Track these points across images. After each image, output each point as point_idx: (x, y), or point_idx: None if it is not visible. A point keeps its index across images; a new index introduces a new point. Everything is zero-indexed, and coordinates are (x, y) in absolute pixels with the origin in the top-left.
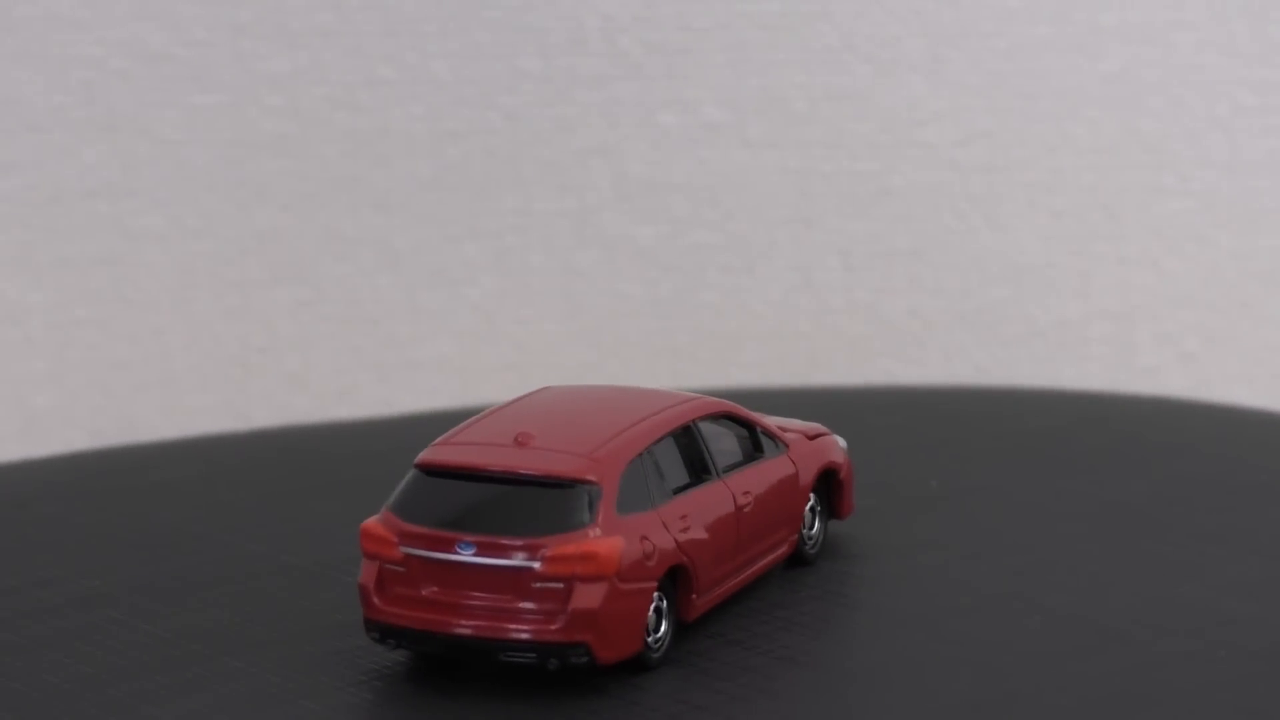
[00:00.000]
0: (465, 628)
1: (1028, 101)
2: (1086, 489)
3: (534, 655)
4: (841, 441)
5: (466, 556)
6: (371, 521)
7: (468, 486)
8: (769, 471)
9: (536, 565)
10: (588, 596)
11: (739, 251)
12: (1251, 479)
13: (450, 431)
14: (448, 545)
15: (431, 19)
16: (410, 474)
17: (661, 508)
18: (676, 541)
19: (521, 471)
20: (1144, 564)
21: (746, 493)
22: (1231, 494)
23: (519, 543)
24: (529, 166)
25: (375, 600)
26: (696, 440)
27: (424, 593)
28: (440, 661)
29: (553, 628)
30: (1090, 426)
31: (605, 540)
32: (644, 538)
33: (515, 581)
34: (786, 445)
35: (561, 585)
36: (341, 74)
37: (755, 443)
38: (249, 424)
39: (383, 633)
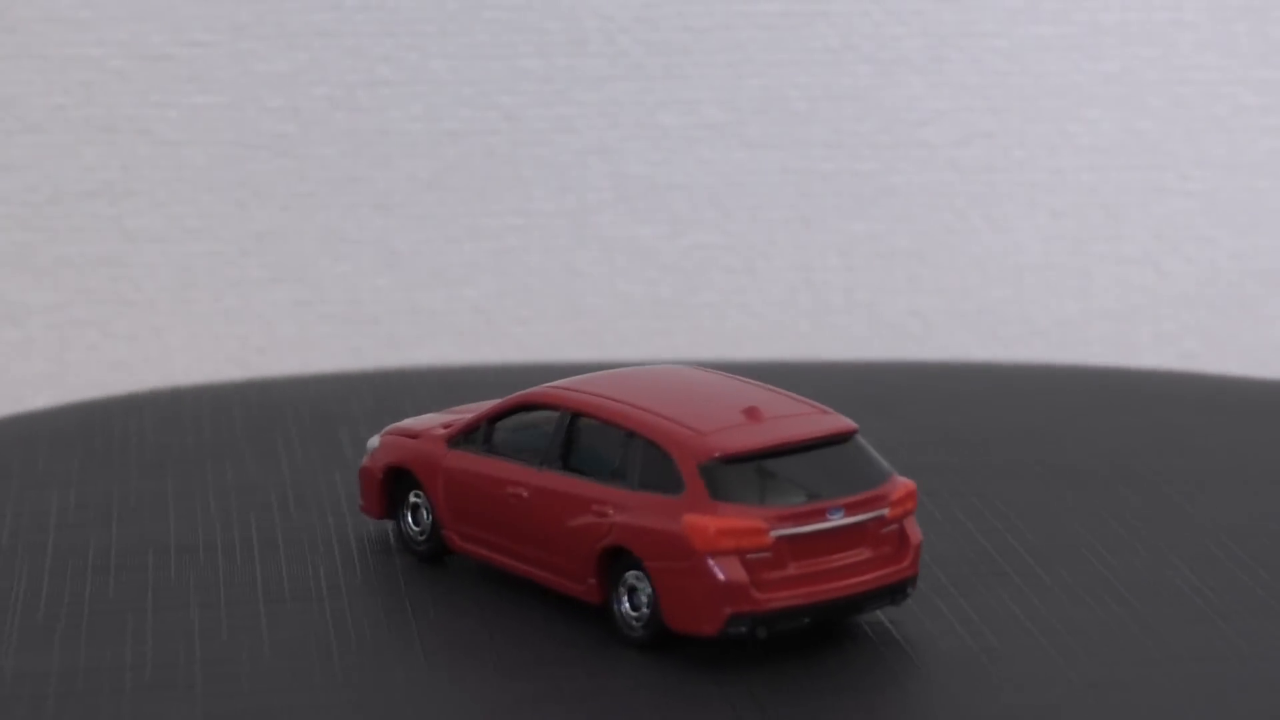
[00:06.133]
0: (839, 591)
1: (1028, 101)
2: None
3: (890, 597)
4: None
5: (837, 521)
6: (703, 519)
7: (769, 464)
8: None
9: (886, 512)
10: (916, 530)
11: (739, 251)
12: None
13: (653, 431)
14: (819, 515)
15: (431, 19)
16: (705, 466)
17: None
18: None
19: (821, 436)
20: None
21: None
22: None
23: (872, 496)
24: (529, 166)
25: (754, 593)
26: None
27: (791, 570)
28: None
29: (904, 565)
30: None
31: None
32: None
33: (867, 534)
34: None
35: (895, 527)
36: (341, 74)
37: None
38: None
39: (754, 623)
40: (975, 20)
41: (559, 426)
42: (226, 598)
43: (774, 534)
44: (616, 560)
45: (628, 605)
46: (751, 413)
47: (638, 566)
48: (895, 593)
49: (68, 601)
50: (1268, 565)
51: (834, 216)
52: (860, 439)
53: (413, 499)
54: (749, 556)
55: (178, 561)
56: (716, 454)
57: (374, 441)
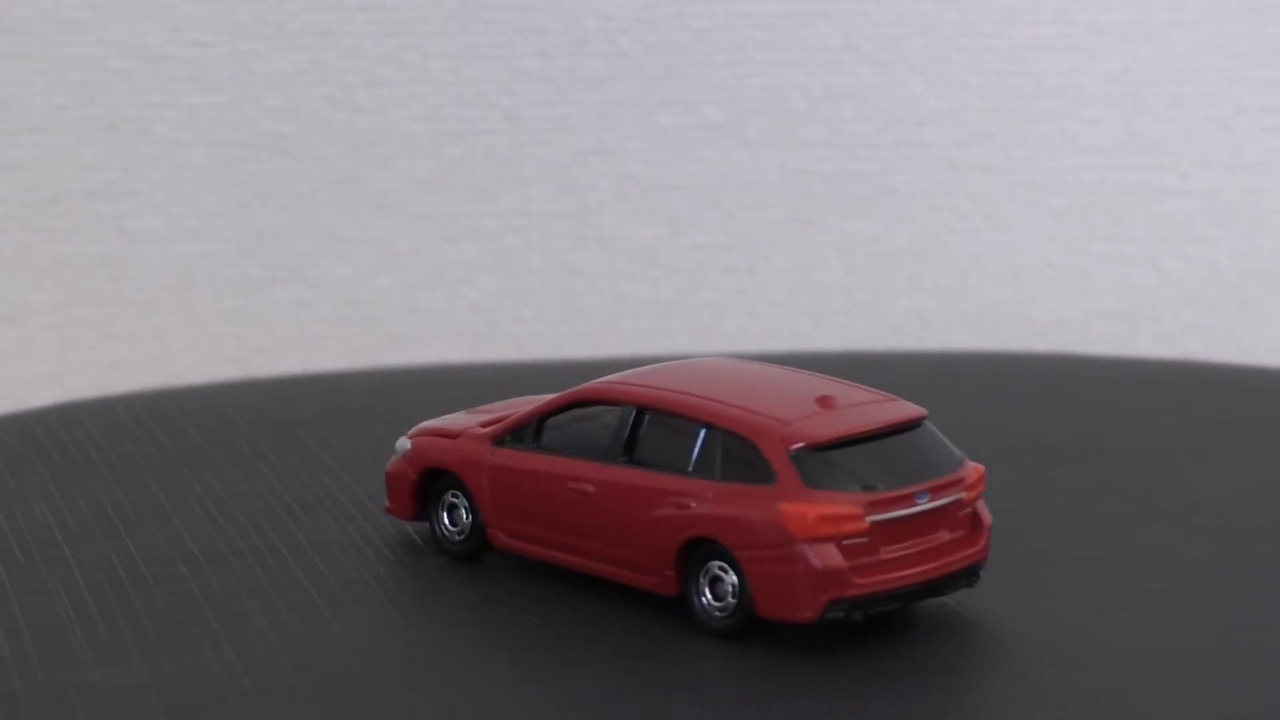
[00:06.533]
0: (925, 574)
1: (1028, 101)
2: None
3: (966, 580)
4: None
5: (924, 505)
6: (801, 507)
7: (853, 450)
8: None
9: (964, 496)
10: (987, 513)
11: (739, 251)
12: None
13: (733, 422)
14: (909, 500)
15: (431, 19)
16: (796, 454)
17: None
18: None
19: (899, 422)
20: None
21: None
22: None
23: (952, 479)
24: (529, 166)
25: (852, 578)
26: None
27: (882, 554)
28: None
29: (979, 547)
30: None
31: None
32: None
33: (946, 518)
34: None
35: (969, 510)
36: (341, 74)
37: None
38: None
39: (850, 608)
40: (975, 20)
41: (623, 421)
42: (283, 603)
43: (869, 519)
44: (694, 551)
45: (710, 595)
46: (825, 401)
47: (722, 556)
48: (971, 575)
49: (121, 614)
50: (1276, 538)
51: (834, 216)
52: (930, 424)
53: (450, 499)
54: (845, 542)
55: (213, 569)
56: (806, 442)
57: (404, 444)
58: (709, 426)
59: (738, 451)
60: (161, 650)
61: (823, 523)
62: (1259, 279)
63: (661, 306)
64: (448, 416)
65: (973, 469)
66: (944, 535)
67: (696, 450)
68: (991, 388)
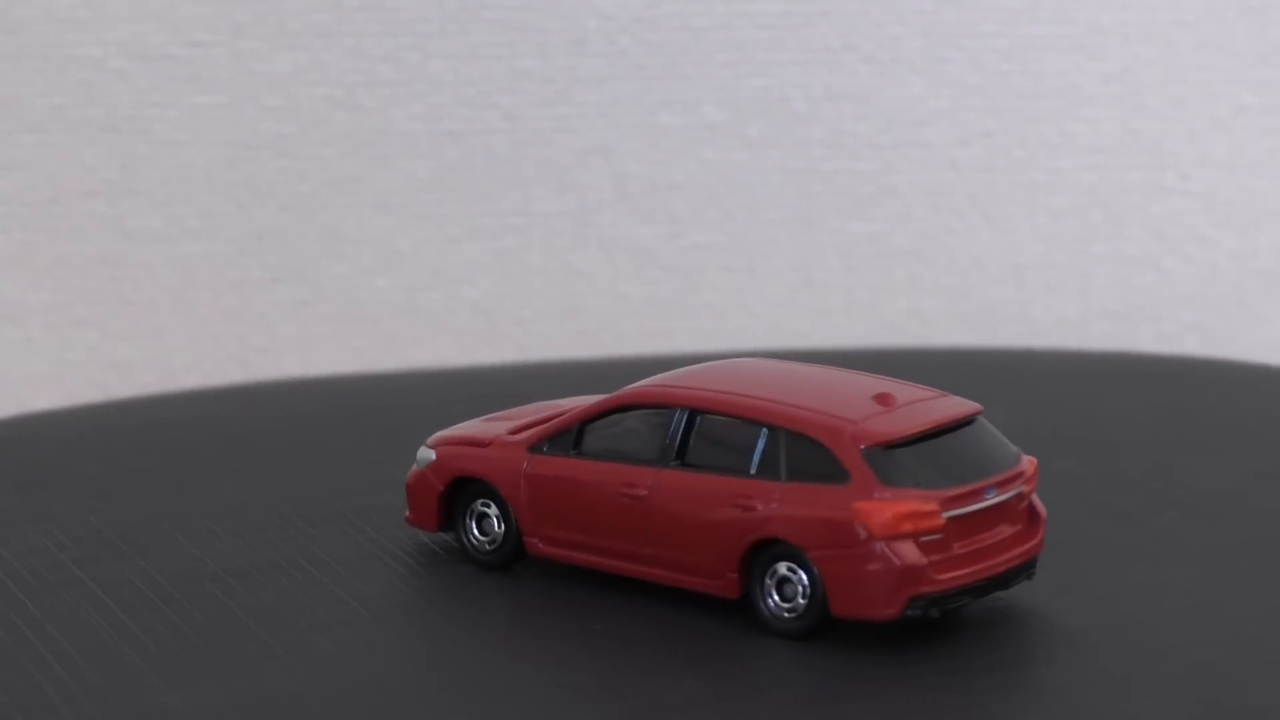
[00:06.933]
0: (993, 568)
1: (1028, 101)
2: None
3: (1026, 573)
4: None
5: (991, 500)
6: (879, 505)
7: (919, 448)
8: None
9: (1025, 489)
10: (1041, 506)
11: (739, 251)
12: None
13: (798, 423)
14: (979, 495)
15: (431, 19)
16: (869, 453)
17: None
18: None
19: (958, 418)
20: None
21: None
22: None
23: (1015, 474)
24: (529, 166)
25: (931, 574)
26: None
27: (957, 550)
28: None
29: (1037, 540)
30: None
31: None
32: None
33: (1008, 512)
34: None
35: (1026, 503)
36: (341, 74)
37: None
38: None
39: (927, 604)
40: (975, 20)
41: (675, 424)
42: (331, 618)
43: (946, 515)
44: (758, 553)
45: (777, 597)
46: (884, 399)
47: (790, 557)
48: (1030, 568)
49: (166, 635)
50: None
51: (834, 216)
52: (984, 419)
53: (479, 508)
54: (922, 539)
55: (242, 587)
56: (877, 441)
57: (426, 454)
58: (771, 427)
59: (805, 452)
60: (228, 669)
61: (902, 520)
62: (1259, 279)
63: (661, 306)
64: (464, 424)
65: (1028, 462)
66: (1006, 529)
67: (759, 451)
68: (987, 382)
